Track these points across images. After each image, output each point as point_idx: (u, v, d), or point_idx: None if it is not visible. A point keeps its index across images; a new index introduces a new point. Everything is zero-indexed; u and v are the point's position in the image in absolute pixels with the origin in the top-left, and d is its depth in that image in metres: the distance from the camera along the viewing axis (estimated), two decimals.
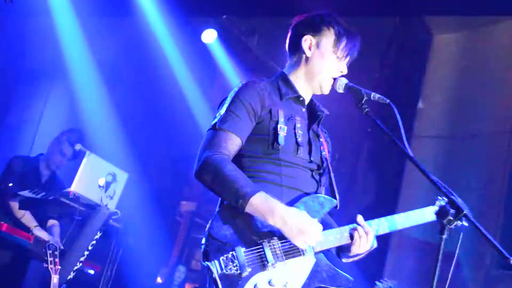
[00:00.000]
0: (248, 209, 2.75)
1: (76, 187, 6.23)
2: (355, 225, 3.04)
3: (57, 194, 6.32)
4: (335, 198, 3.09)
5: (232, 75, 8.82)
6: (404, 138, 2.95)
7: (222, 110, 2.98)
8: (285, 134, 2.99)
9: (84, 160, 6.33)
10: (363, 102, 3.08)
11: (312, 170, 3.11)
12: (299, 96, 3.19)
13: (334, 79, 3.20)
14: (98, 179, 6.42)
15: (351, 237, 3.01)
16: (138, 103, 8.22)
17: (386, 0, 8.11)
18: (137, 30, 7.97)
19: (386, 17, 8.60)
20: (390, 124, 2.98)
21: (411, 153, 2.92)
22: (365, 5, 8.22)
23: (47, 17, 7.15)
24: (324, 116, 3.32)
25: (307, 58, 3.21)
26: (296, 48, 3.26)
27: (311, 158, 3.10)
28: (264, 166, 2.99)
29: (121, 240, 6.92)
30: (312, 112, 3.26)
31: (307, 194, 3.02)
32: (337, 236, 3.00)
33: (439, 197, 3.24)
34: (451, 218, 2.61)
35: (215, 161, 2.82)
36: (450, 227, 2.62)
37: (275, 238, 2.84)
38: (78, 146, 6.63)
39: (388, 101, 3.04)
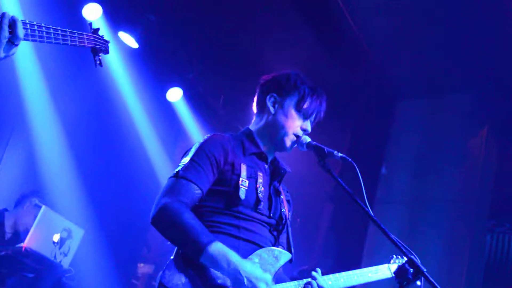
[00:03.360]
0: (203, 258, 2.73)
1: (30, 242, 6.02)
2: (310, 279, 3.08)
3: (8, 249, 6.10)
4: (291, 253, 3.11)
5: (196, 134, 8.80)
6: (365, 197, 2.97)
7: (186, 159, 3.00)
8: (246, 188, 3.02)
9: (39, 215, 6.15)
10: (325, 160, 3.09)
11: (270, 226, 3.13)
12: (262, 153, 3.24)
13: (298, 137, 3.24)
14: (52, 235, 6.23)
15: None
16: (99, 159, 8.10)
17: (351, 64, 8.29)
18: (102, 86, 7.93)
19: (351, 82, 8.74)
20: (351, 187, 3.01)
21: (371, 213, 2.92)
22: (331, 71, 8.40)
23: (10, 68, 7.07)
24: (287, 176, 3.34)
25: (271, 116, 3.27)
26: (262, 106, 3.33)
27: (271, 214, 3.13)
28: (223, 218, 2.99)
29: None
30: (275, 169, 3.29)
31: (264, 248, 3.02)
32: None
33: (394, 256, 3.34)
34: (410, 277, 2.61)
35: (173, 208, 2.81)
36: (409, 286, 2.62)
37: None
38: (34, 201, 6.49)
39: (350, 159, 3.07)
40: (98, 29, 3.17)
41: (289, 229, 3.27)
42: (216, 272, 2.80)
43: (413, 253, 2.74)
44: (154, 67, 8.18)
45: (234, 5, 7.64)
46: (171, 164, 8.67)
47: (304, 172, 8.17)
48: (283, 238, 3.23)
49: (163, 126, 8.72)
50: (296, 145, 3.27)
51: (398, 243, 2.77)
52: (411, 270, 2.64)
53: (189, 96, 8.75)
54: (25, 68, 7.23)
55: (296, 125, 3.25)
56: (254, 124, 3.37)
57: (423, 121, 8.96)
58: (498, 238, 8.50)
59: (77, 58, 7.03)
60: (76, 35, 2.95)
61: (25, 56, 7.17)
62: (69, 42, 2.89)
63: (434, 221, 8.18)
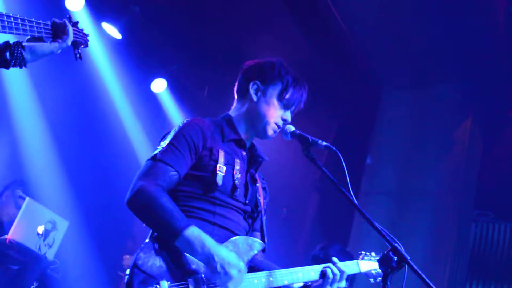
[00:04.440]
0: (178, 241, 2.74)
1: (14, 234, 5.98)
2: (328, 264, 3.25)
3: None
4: (264, 242, 3.16)
5: None
6: (350, 186, 2.96)
7: (164, 143, 3.00)
8: (223, 175, 3.03)
9: (24, 206, 6.11)
10: (309, 149, 3.09)
11: (245, 213, 3.16)
12: (241, 139, 3.24)
13: (278, 126, 3.25)
14: (37, 227, 6.19)
15: (323, 274, 3.23)
16: (83, 151, 8.05)
17: (336, 55, 8.29)
18: (85, 77, 7.87)
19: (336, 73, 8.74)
20: (336, 177, 2.99)
21: (356, 201, 2.91)
22: (316, 62, 8.40)
23: None
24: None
25: (253, 103, 3.27)
26: (244, 92, 3.32)
27: (246, 201, 3.15)
28: (199, 203, 3.00)
29: None
30: (253, 157, 3.31)
31: (238, 235, 3.05)
32: (302, 274, 3.18)
33: (363, 252, 3.44)
34: (394, 265, 2.61)
35: (150, 191, 2.80)
36: (393, 273, 2.62)
37: (201, 275, 2.80)
38: (18, 192, 6.44)
39: (334, 148, 3.07)
40: (77, 22, 3.18)
41: (264, 217, 3.30)
42: (191, 256, 2.81)
43: (397, 241, 2.74)
44: (138, 58, 8.13)
45: None
46: None
47: (289, 162, 8.19)
48: (257, 225, 3.27)
49: (147, 117, 8.67)
50: (276, 133, 3.28)
51: (382, 231, 2.76)
52: (395, 258, 2.63)
53: (173, 87, 8.71)
54: None
55: (278, 115, 3.26)
56: (234, 110, 3.36)
57: (408, 112, 8.98)
58: (482, 227, 8.58)
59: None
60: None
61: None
62: (44, 35, 2.90)
63: (419, 211, 8.22)
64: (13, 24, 2.65)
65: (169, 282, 2.72)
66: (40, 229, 6.19)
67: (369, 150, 9.22)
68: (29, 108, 7.50)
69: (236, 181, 3.08)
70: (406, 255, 2.64)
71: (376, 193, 8.78)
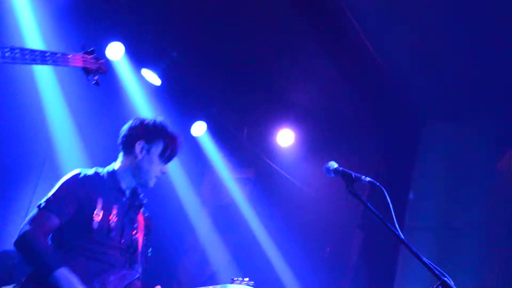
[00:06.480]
0: (50, 279, 3.24)
1: None
2: None
3: None
4: (138, 272, 3.73)
5: (222, 168, 8.80)
6: (395, 221, 2.95)
7: (50, 194, 3.55)
8: (99, 219, 3.57)
9: None
10: (353, 185, 3.12)
11: (121, 249, 3.70)
12: (120, 188, 3.81)
13: (158, 177, 3.87)
14: None
15: None
16: None
17: (375, 90, 8.28)
18: (127, 121, 7.98)
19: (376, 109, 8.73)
20: (379, 212, 3.02)
21: (402, 236, 2.90)
22: (356, 98, 8.40)
23: (38, 110, 7.18)
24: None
25: (137, 160, 3.81)
26: (130, 150, 3.86)
27: (122, 240, 3.69)
28: (79, 241, 3.53)
29: None
30: (133, 202, 3.82)
31: (113, 267, 3.61)
32: None
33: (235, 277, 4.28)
34: None
35: (31, 236, 3.36)
36: None
37: None
38: None
39: (378, 184, 3.08)
40: (92, 50, 3.35)
41: (138, 252, 3.79)
42: None
43: (447, 275, 2.72)
44: (177, 102, 8.23)
45: (254, 39, 7.72)
46: (199, 199, 8.74)
47: (331, 200, 8.15)
48: (134, 258, 3.77)
49: (189, 161, 8.73)
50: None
51: (430, 265, 2.75)
52: None
53: (213, 129, 8.79)
54: (52, 106, 7.32)
55: (158, 169, 3.85)
56: (119, 163, 3.88)
57: (450, 144, 8.88)
58: None
59: (102, 94, 7.15)
60: (59, 56, 3.07)
61: (52, 96, 7.26)
62: (50, 63, 3.01)
63: (464, 246, 8.08)
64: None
65: None
66: None
67: (411, 184, 9.12)
68: (75, 152, 7.63)
69: (112, 224, 3.62)
70: None
71: (420, 228, 8.66)
